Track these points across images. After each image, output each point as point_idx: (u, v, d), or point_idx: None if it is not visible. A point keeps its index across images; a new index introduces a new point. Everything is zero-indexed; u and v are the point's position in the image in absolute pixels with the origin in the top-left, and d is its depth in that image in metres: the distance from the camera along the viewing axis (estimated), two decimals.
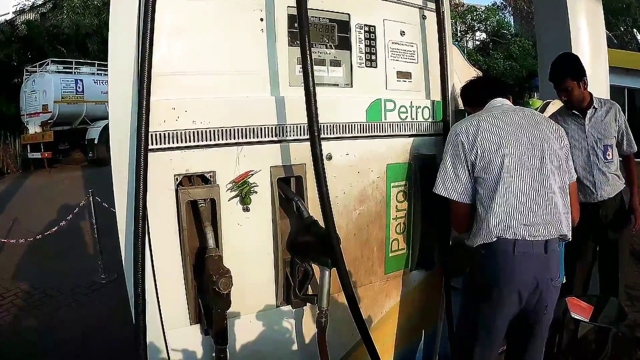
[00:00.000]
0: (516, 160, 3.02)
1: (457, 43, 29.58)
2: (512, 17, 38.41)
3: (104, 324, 6.20)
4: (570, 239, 3.17)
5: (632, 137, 4.66)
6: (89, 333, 6.02)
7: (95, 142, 21.04)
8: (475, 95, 3.57)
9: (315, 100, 2.83)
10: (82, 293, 7.51)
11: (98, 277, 7.93)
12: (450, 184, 3.15)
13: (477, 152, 3.06)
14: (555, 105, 4.91)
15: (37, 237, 8.30)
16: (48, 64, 22.16)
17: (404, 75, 3.60)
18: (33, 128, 21.80)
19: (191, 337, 3.04)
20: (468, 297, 3.31)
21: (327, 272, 2.99)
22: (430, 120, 3.72)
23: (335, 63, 3.31)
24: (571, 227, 3.17)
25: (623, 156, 4.73)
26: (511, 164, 3.00)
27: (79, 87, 22.01)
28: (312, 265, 3.15)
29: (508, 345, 3.37)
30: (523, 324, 3.18)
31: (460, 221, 3.28)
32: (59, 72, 22.16)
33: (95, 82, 22.45)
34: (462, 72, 3.98)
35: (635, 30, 27.65)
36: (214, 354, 2.91)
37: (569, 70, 4.44)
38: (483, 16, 35.36)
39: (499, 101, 3.39)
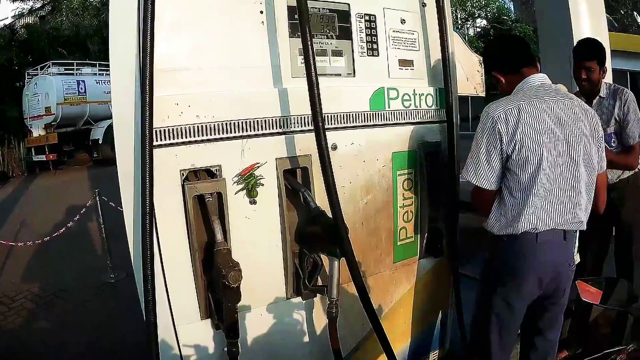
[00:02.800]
0: (552, 162, 2.93)
1: (457, 30, 29.46)
2: (512, 3, 38.22)
3: (114, 322, 6.19)
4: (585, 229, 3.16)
5: (635, 129, 4.45)
6: (99, 332, 6.02)
7: (100, 142, 21.13)
8: (511, 60, 3.25)
9: (319, 91, 2.84)
10: (91, 293, 7.48)
11: (107, 277, 7.91)
12: (483, 172, 3.02)
13: (515, 146, 2.91)
14: (560, 88, 4.86)
15: (45, 239, 8.28)
16: (49, 67, 22.12)
17: (406, 63, 3.59)
18: (37, 131, 21.78)
19: (202, 332, 3.05)
20: (487, 282, 3.27)
21: (336, 262, 2.99)
22: (433, 107, 3.71)
23: (337, 53, 3.30)
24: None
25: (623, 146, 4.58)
26: (547, 166, 2.91)
27: (81, 88, 21.97)
28: (321, 256, 3.16)
29: (524, 331, 3.37)
30: (539, 307, 3.19)
31: (485, 206, 3.18)
32: (60, 74, 22.09)
33: (97, 83, 22.44)
34: (463, 59, 3.97)
35: (635, 13, 27.54)
36: (225, 349, 2.92)
37: (599, 53, 4.36)
38: (483, 3, 35.16)
39: (539, 79, 3.13)
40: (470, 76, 4.05)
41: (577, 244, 4.12)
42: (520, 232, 2.98)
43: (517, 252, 3.03)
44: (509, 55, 3.27)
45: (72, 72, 22.54)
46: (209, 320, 3.04)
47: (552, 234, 2.99)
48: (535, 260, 3.00)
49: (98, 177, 17.78)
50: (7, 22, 30.55)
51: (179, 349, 2.97)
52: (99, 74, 22.89)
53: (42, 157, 21.35)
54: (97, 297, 7.38)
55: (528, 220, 2.95)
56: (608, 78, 5.36)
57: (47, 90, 21.25)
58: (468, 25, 36.52)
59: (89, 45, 27.40)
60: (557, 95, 3.04)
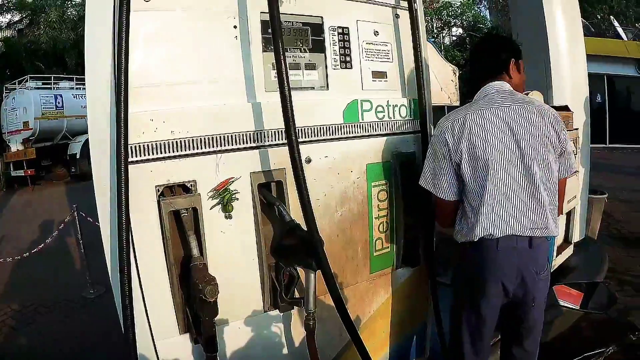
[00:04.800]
0: (501, 164, 2.98)
1: (433, 40, 29.60)
2: (487, 10, 38.50)
3: (95, 338, 6.18)
4: (557, 235, 3.19)
5: None
6: (80, 348, 6.00)
7: (77, 157, 21.12)
8: (475, 76, 3.41)
9: (292, 105, 2.85)
10: (72, 309, 7.48)
11: (87, 292, 7.89)
12: (436, 181, 3.16)
13: (462, 154, 3.02)
14: (535, 95, 4.89)
15: (24, 255, 8.25)
16: (27, 81, 22.03)
17: (379, 75, 3.61)
18: (15, 146, 21.70)
19: (181, 347, 3.04)
20: (456, 290, 3.34)
21: (312, 275, 2.99)
22: (407, 118, 3.73)
23: (311, 66, 3.32)
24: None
25: None
26: (497, 168, 2.97)
27: (59, 103, 21.94)
28: (297, 268, 3.15)
29: (503, 341, 3.40)
30: (513, 316, 3.22)
31: (445, 217, 3.30)
32: (38, 88, 22.05)
33: (74, 97, 22.47)
34: (437, 69, 4.01)
35: (612, 17, 27.84)
36: None
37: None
38: (459, 11, 35.41)
39: (493, 87, 3.21)
40: (444, 86, 4.08)
41: (554, 252, 4.14)
42: (477, 238, 3.04)
43: (478, 259, 3.09)
44: (473, 72, 3.46)
45: (49, 86, 22.49)
46: (187, 335, 3.03)
47: (514, 240, 3.01)
48: (495, 267, 3.04)
49: (76, 192, 17.75)
50: None
51: None
52: (76, 88, 22.89)
53: (21, 173, 21.29)
54: (77, 312, 7.36)
55: (483, 227, 3.01)
56: (584, 82, 5.44)
57: (25, 105, 21.24)
58: (444, 34, 36.74)
59: (66, 58, 27.27)
60: (510, 101, 3.12)
